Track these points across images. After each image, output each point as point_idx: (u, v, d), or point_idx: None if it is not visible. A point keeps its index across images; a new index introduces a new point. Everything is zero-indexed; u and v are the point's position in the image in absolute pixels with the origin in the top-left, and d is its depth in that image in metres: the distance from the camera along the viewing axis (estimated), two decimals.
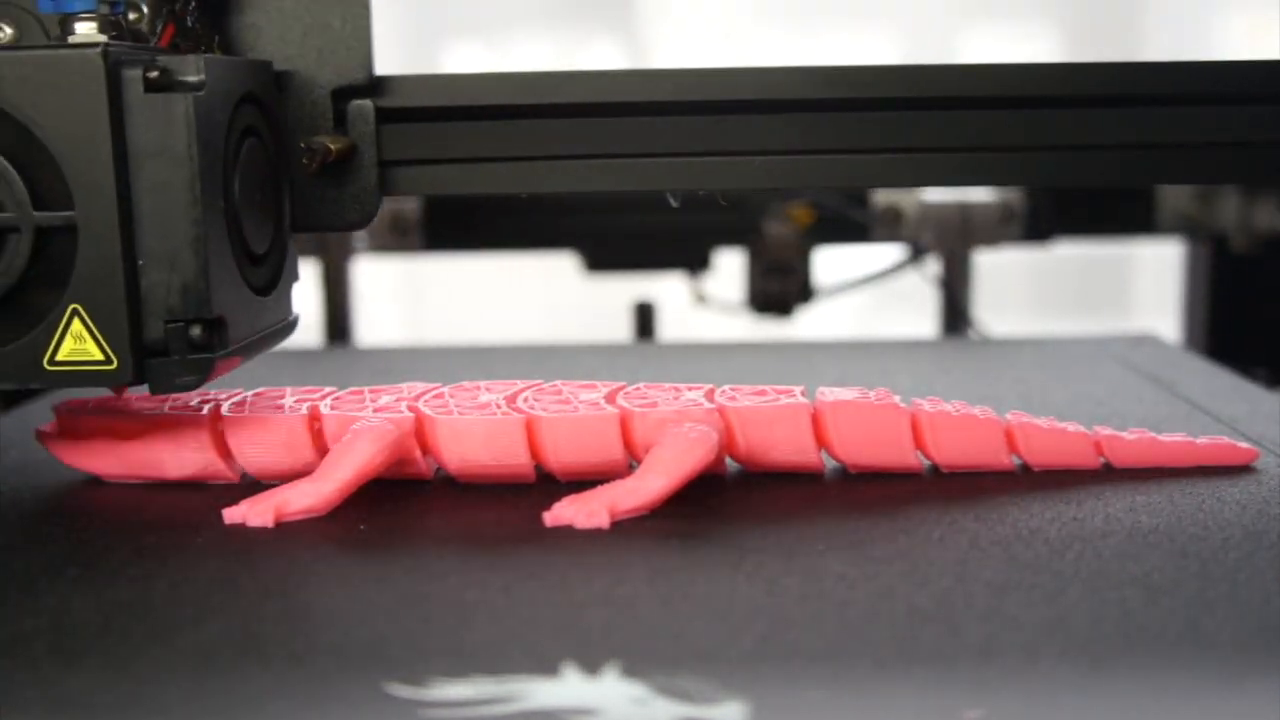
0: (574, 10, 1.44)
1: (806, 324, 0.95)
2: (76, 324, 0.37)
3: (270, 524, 0.39)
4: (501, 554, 0.36)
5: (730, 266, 0.93)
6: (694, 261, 0.93)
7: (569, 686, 0.28)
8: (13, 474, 0.45)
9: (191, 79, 0.37)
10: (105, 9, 0.39)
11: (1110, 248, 1.28)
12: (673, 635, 0.31)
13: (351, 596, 0.33)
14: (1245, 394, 0.55)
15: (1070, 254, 1.01)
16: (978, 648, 0.29)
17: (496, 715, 0.27)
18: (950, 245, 0.90)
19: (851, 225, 0.89)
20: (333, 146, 0.43)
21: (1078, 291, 1.42)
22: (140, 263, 0.37)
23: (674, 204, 0.46)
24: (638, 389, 0.44)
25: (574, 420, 0.41)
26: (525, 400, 0.43)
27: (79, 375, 0.37)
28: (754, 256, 0.90)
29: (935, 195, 0.88)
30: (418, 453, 0.42)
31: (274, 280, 0.43)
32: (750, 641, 0.30)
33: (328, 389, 0.44)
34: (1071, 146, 0.45)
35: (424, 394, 0.43)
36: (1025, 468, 0.43)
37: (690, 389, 0.43)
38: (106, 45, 0.36)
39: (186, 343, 0.38)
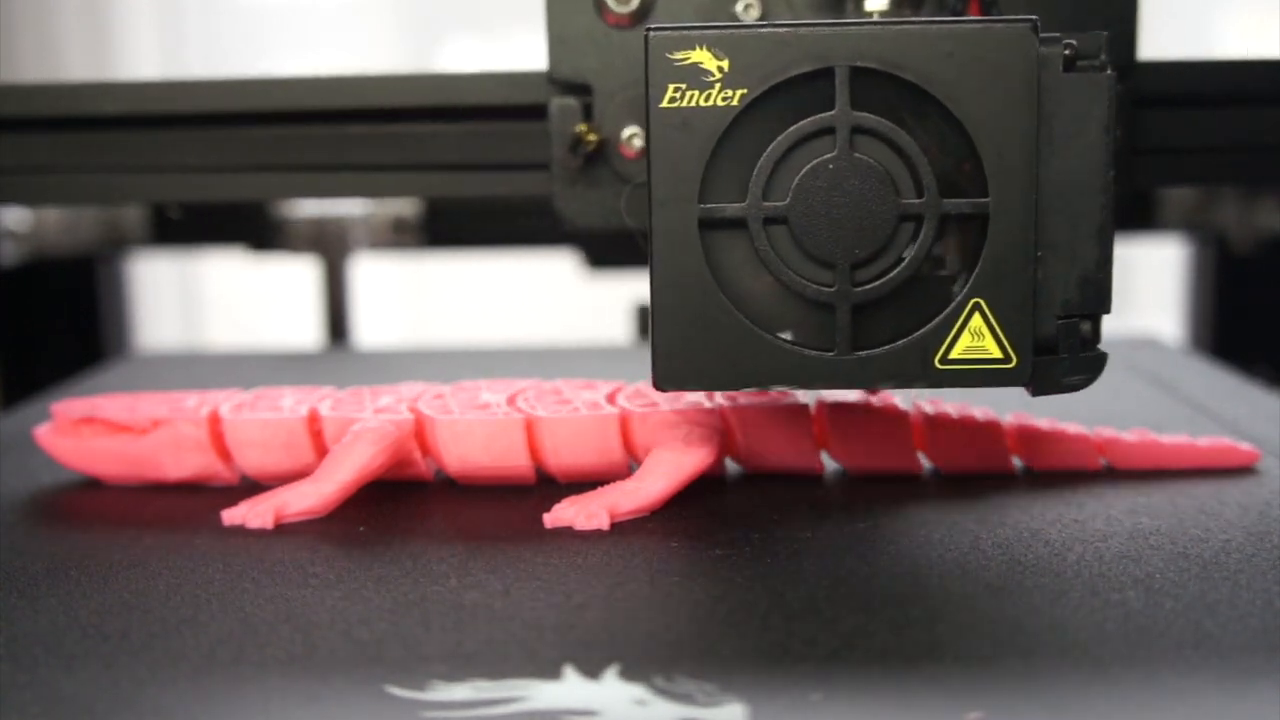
0: None
1: None
2: (977, 319, 0.35)
3: (270, 525, 0.39)
4: (501, 555, 0.36)
5: None
6: None
7: (569, 688, 0.28)
8: (11, 475, 0.45)
9: (1100, 59, 0.35)
10: None
11: None
12: (673, 637, 0.31)
13: (351, 598, 0.33)
14: (1247, 395, 0.55)
15: None
16: (978, 649, 0.29)
17: (496, 717, 0.27)
18: None
19: None
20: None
21: None
22: (1039, 253, 0.35)
23: None
24: (638, 389, 0.44)
25: (574, 421, 0.41)
26: (525, 401, 0.43)
27: (975, 375, 0.35)
28: None
29: None
30: (418, 454, 0.42)
31: None
32: (751, 643, 0.30)
33: (327, 390, 0.44)
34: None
35: (424, 394, 0.43)
36: (1026, 469, 0.43)
37: None
38: (1035, 21, 0.34)
39: (1078, 339, 0.36)
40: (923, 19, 0.36)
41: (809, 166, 0.34)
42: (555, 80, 0.43)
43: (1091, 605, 0.32)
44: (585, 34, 0.40)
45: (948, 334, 0.35)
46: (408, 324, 1.36)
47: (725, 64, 0.34)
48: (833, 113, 0.34)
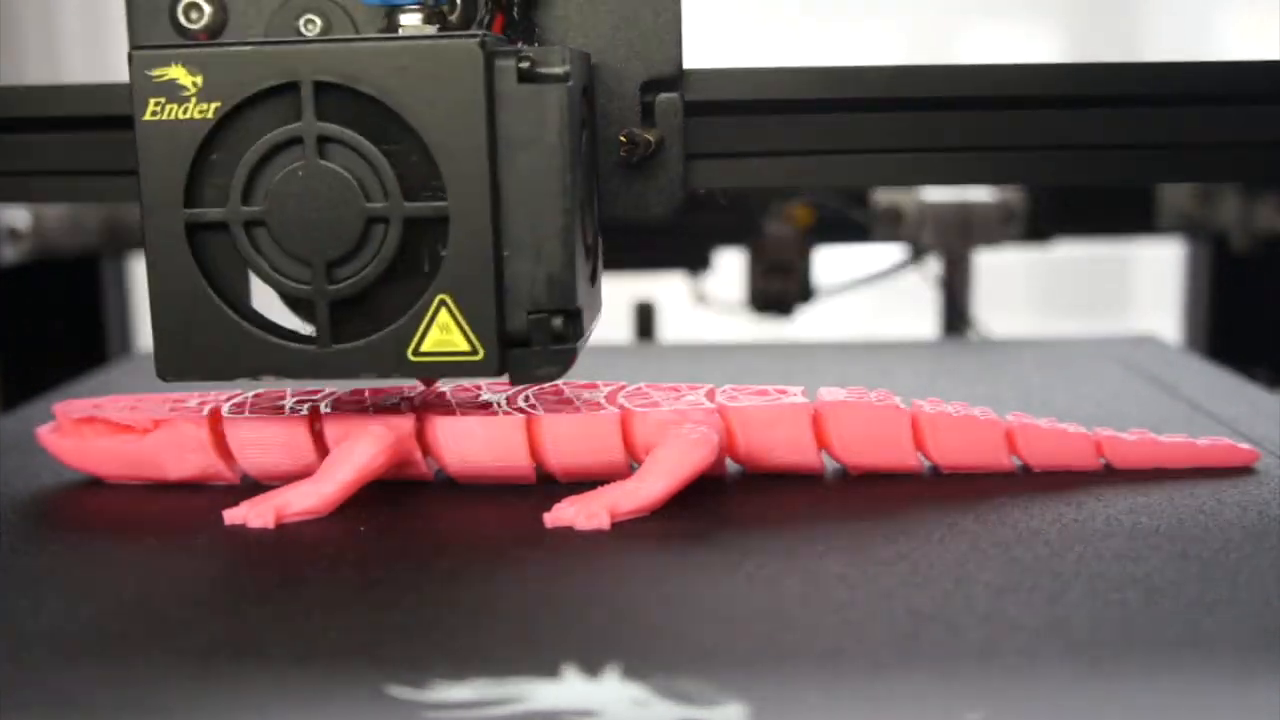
0: None
1: (806, 324, 0.95)
2: (444, 314, 0.37)
3: (271, 525, 0.39)
4: (502, 555, 0.36)
5: (730, 266, 0.93)
6: (694, 261, 0.93)
7: (570, 688, 0.28)
8: (13, 475, 0.45)
9: (558, 70, 0.37)
10: (431, 0, 0.39)
11: (1110, 248, 1.28)
12: (673, 637, 0.31)
13: (352, 598, 0.33)
14: (1246, 395, 0.55)
15: (1070, 254, 1.01)
16: (978, 649, 0.29)
17: (497, 717, 0.27)
18: (950, 245, 0.90)
19: (851, 225, 0.89)
20: (651, 139, 0.42)
21: (1078, 291, 1.42)
22: (506, 253, 0.37)
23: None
24: (638, 389, 0.44)
25: (574, 421, 0.41)
26: (525, 400, 0.43)
27: (444, 366, 0.37)
28: (754, 256, 0.90)
29: (935, 195, 0.88)
30: (418, 454, 0.42)
31: (596, 270, 0.43)
32: (751, 643, 0.30)
33: (328, 389, 0.44)
34: (1072, 146, 0.45)
35: (424, 394, 0.43)
36: (1026, 469, 0.43)
37: (691, 389, 0.43)
38: (484, 36, 0.36)
39: (549, 333, 0.37)
40: (382, 36, 0.39)
41: (282, 174, 0.37)
42: None
43: (1091, 604, 0.32)
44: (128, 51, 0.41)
45: (417, 328, 0.37)
46: None
47: (199, 80, 0.37)
48: (299, 124, 0.37)
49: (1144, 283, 1.37)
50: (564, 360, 0.38)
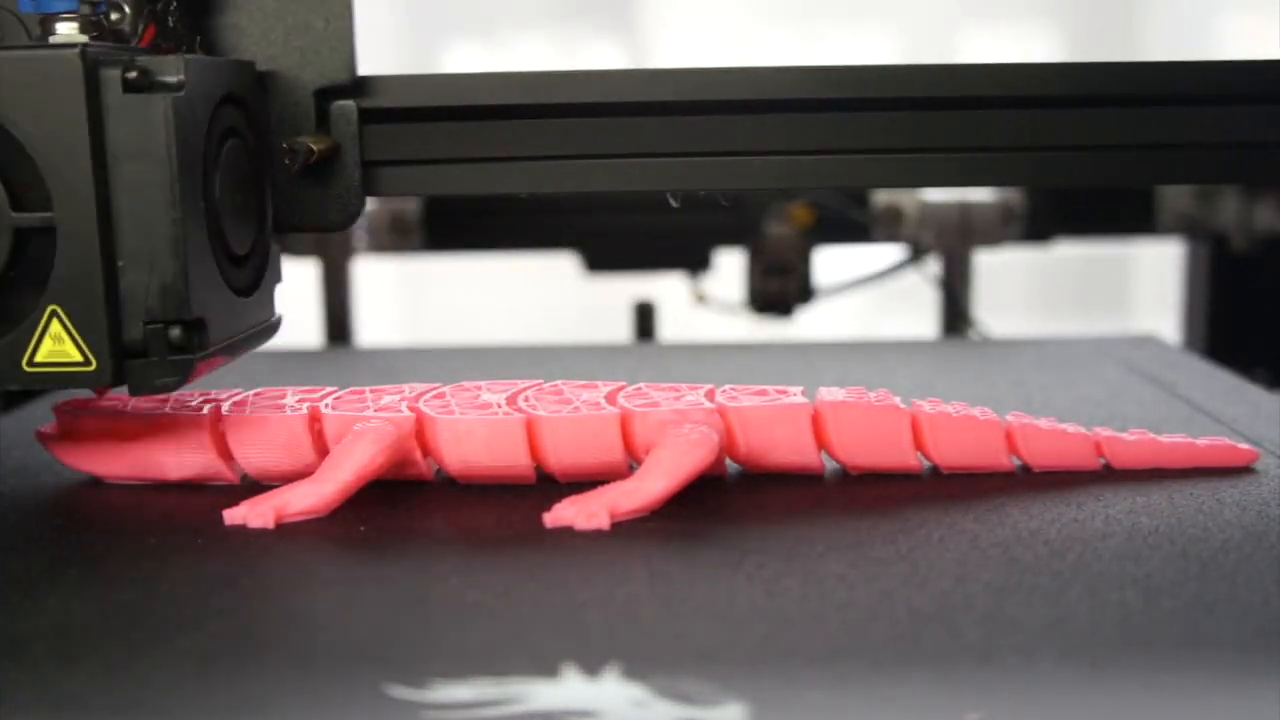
0: (574, 10, 1.44)
1: (806, 324, 0.95)
2: (55, 325, 0.37)
3: (271, 525, 0.39)
4: (502, 555, 0.36)
5: (730, 266, 0.93)
6: (694, 261, 0.93)
7: (569, 688, 0.28)
8: (13, 475, 0.45)
9: (171, 79, 0.37)
10: (87, 9, 0.38)
11: (1110, 248, 1.28)
12: (673, 637, 0.31)
13: (352, 598, 0.33)
14: (1245, 395, 0.55)
15: (1070, 254, 1.01)
16: (978, 649, 0.29)
17: (497, 717, 0.27)
18: (950, 245, 0.90)
19: (851, 225, 0.89)
20: (315, 147, 0.42)
21: (1078, 292, 1.42)
22: (120, 264, 0.37)
23: (674, 204, 0.46)
24: (638, 389, 0.44)
25: (574, 421, 0.41)
26: (525, 400, 0.43)
27: (58, 376, 0.37)
28: (754, 256, 0.90)
29: (935, 195, 0.88)
30: (418, 453, 0.42)
31: (256, 281, 0.43)
32: (750, 643, 0.30)
33: (328, 389, 0.44)
34: (1072, 147, 0.45)
35: (424, 394, 0.43)
36: (1025, 469, 0.43)
37: (690, 389, 0.43)
38: (85, 45, 0.36)
39: (166, 344, 0.37)
40: None
41: None
42: None
43: (1090, 604, 0.32)
44: None
45: (30, 339, 0.37)
46: (408, 324, 1.36)
47: None
48: None
49: (1144, 283, 1.37)
50: (183, 370, 0.38)
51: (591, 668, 0.29)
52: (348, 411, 0.42)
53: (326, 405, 0.43)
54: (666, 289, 0.98)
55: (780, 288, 0.90)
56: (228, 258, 0.41)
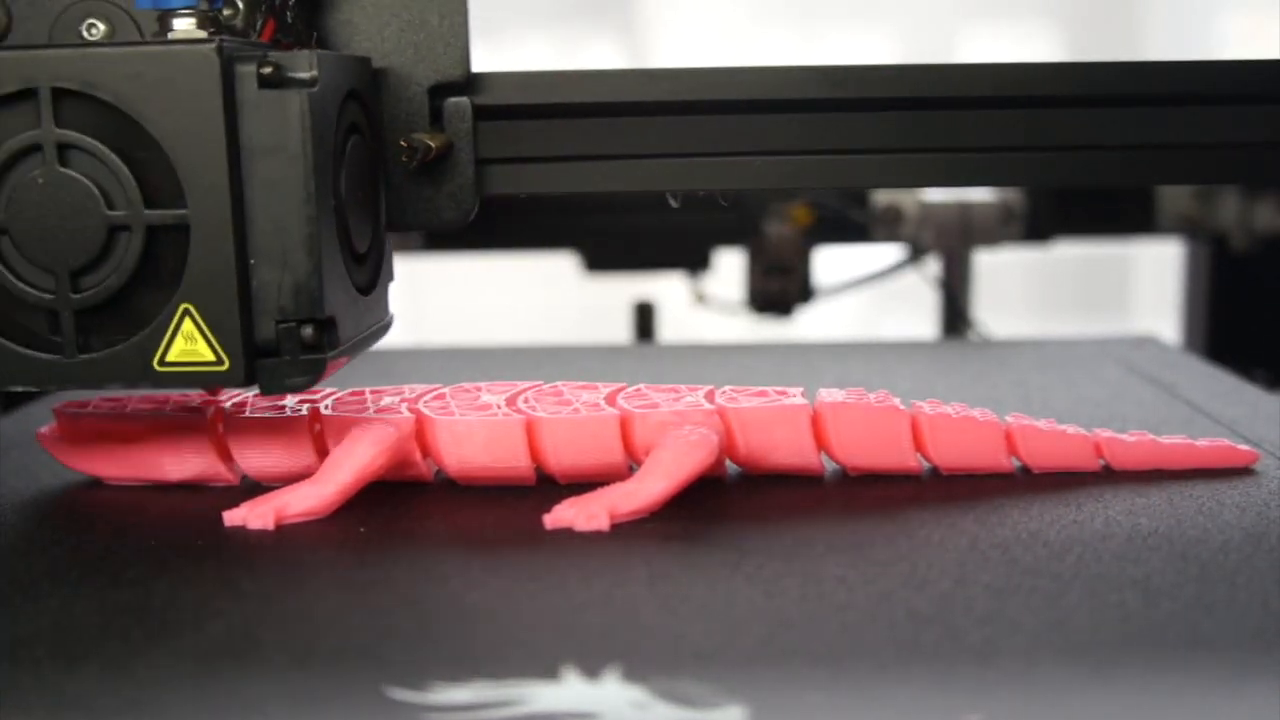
0: (573, 10, 1.44)
1: (806, 324, 0.95)
2: (188, 324, 0.37)
3: (270, 526, 0.39)
4: (501, 557, 0.36)
5: (730, 266, 0.93)
6: (694, 261, 0.94)
7: (569, 690, 0.28)
8: (13, 476, 0.45)
9: (304, 75, 0.36)
10: (204, 5, 0.38)
11: (1110, 248, 1.28)
12: (673, 638, 0.31)
13: (351, 599, 0.33)
14: (1245, 396, 0.55)
15: (1070, 254, 1.01)
16: (977, 651, 0.29)
17: (497, 719, 0.27)
18: (950, 245, 0.90)
19: (851, 225, 0.89)
20: (432, 144, 0.42)
21: (1078, 292, 1.42)
22: (251, 262, 0.36)
23: (674, 204, 0.46)
24: (638, 390, 0.44)
25: (574, 422, 0.41)
26: (525, 401, 0.43)
27: (190, 377, 0.37)
28: (754, 256, 0.90)
29: (935, 195, 0.88)
30: (418, 455, 0.42)
31: (374, 279, 0.43)
32: (750, 644, 0.30)
33: (328, 390, 0.44)
34: (1072, 147, 0.45)
35: (424, 395, 0.43)
36: (1025, 470, 0.43)
37: (690, 390, 0.43)
38: (221, 41, 0.36)
39: (299, 343, 0.37)
40: (125, 41, 0.39)
41: (23, 181, 0.36)
42: None
43: (1091, 606, 0.32)
44: None
45: (162, 338, 0.37)
46: (407, 324, 1.36)
47: None
48: (39, 131, 0.36)
49: (1144, 283, 1.37)
50: (315, 370, 0.37)
51: (591, 669, 0.29)
52: (347, 413, 0.42)
53: (326, 406, 0.43)
54: (666, 289, 0.99)
55: (780, 288, 0.90)
56: (351, 256, 0.40)
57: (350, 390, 0.44)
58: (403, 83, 0.43)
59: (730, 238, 0.91)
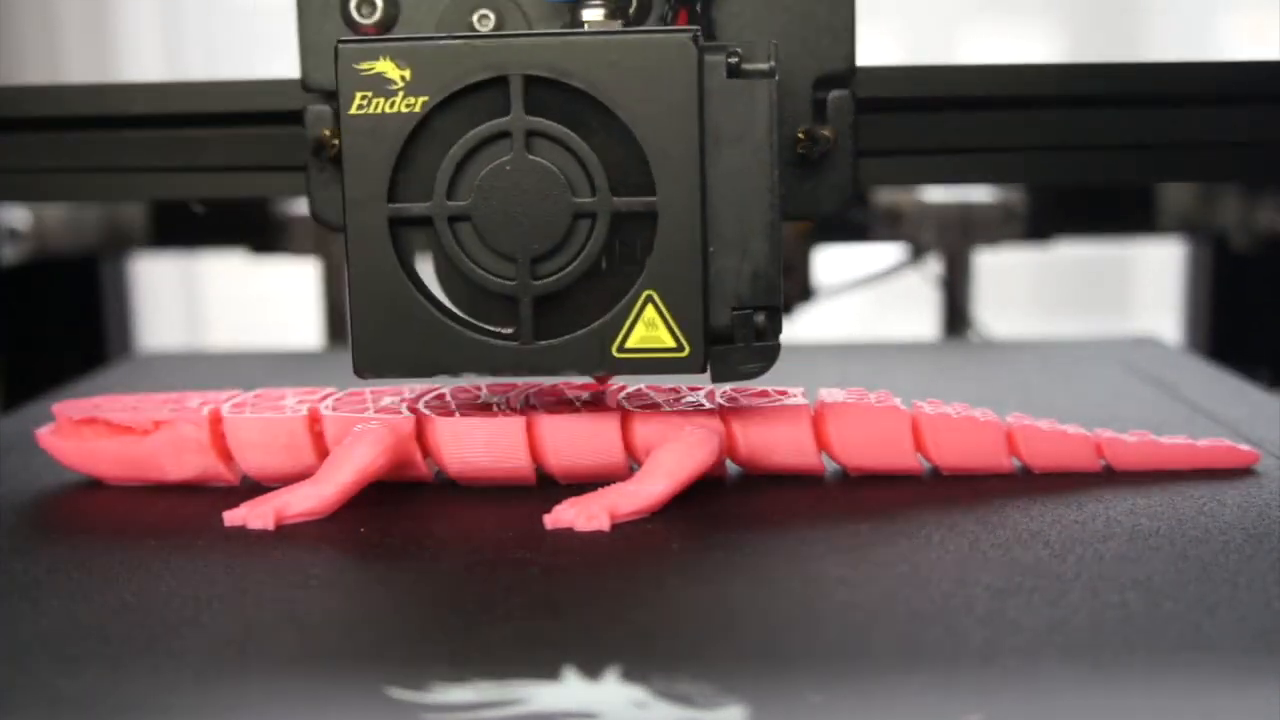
0: None
1: (806, 324, 0.95)
2: (650, 310, 0.37)
3: (270, 527, 0.39)
4: (502, 556, 0.36)
5: None
6: None
7: (570, 690, 0.28)
8: (13, 476, 0.45)
9: (764, 66, 0.37)
10: None
11: (1110, 248, 1.28)
12: (673, 638, 0.31)
13: (351, 599, 0.33)
14: (1246, 396, 0.55)
15: (1070, 254, 1.01)
16: (978, 651, 0.29)
17: (497, 718, 0.27)
18: (950, 245, 0.90)
19: (851, 225, 0.89)
20: (830, 136, 0.42)
21: (1078, 291, 1.42)
22: (710, 249, 0.37)
23: None
24: (639, 390, 0.44)
25: (575, 422, 0.41)
26: (526, 401, 0.43)
27: (649, 363, 0.38)
28: None
29: (935, 195, 0.88)
30: (418, 455, 0.42)
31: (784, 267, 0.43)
32: (751, 644, 0.30)
33: (328, 390, 0.44)
34: (1072, 147, 0.45)
35: (424, 395, 0.43)
36: (1026, 470, 0.43)
37: (691, 390, 0.43)
38: (696, 31, 0.36)
39: (752, 330, 0.38)
40: (591, 31, 0.39)
41: (489, 168, 0.37)
42: (309, 88, 0.43)
43: (1091, 606, 0.32)
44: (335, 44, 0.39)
45: (623, 324, 0.37)
46: None
47: (407, 73, 0.37)
48: (508, 118, 0.37)
49: (1144, 283, 1.37)
50: (769, 357, 0.38)
51: (592, 669, 0.29)
52: (347, 413, 0.42)
53: (326, 406, 0.43)
54: None
55: None
56: None
57: (350, 390, 0.44)
58: (789, 75, 0.42)
59: None
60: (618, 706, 0.27)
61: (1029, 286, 1.40)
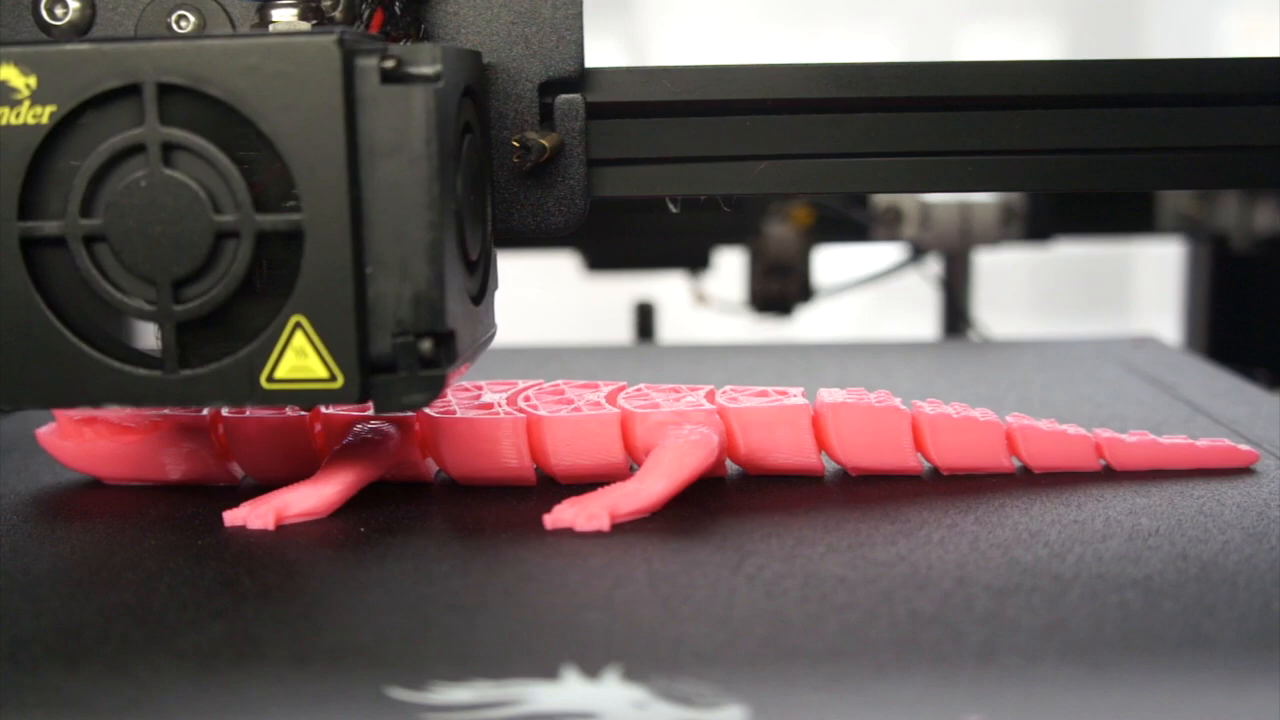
0: None
1: (806, 324, 0.96)
2: (299, 338, 0.34)
3: (271, 526, 0.39)
4: (502, 556, 0.36)
5: (730, 266, 0.93)
6: (694, 261, 0.94)
7: (569, 690, 0.28)
8: (13, 476, 0.45)
9: (428, 70, 0.33)
10: None
11: (1110, 248, 1.28)
12: (673, 638, 0.31)
13: (352, 599, 0.33)
14: (1246, 396, 0.55)
15: (1070, 254, 1.01)
16: (978, 651, 0.29)
17: (497, 718, 0.27)
18: (950, 245, 0.90)
19: (851, 225, 0.89)
20: (546, 144, 0.39)
21: (1078, 291, 1.43)
22: (368, 270, 0.34)
23: (674, 209, 0.46)
24: (638, 390, 0.44)
25: (574, 421, 0.41)
26: (526, 401, 0.43)
27: (300, 394, 0.34)
28: (754, 256, 0.90)
29: (936, 196, 0.88)
30: (419, 454, 0.42)
31: (484, 288, 0.40)
32: (750, 645, 0.30)
33: None
34: (1071, 149, 0.45)
35: None
36: (1026, 470, 0.43)
37: (691, 390, 0.43)
38: (342, 33, 0.33)
39: (416, 358, 0.34)
40: (233, 34, 0.36)
41: (124, 184, 0.34)
42: None
43: (1091, 606, 0.32)
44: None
45: (271, 353, 0.34)
46: None
47: (33, 81, 0.33)
48: (141, 129, 0.33)
49: (1144, 283, 1.37)
50: (434, 387, 0.34)
51: (592, 669, 0.29)
52: (348, 412, 0.42)
53: (326, 406, 0.43)
54: (666, 289, 0.99)
55: (780, 288, 0.90)
56: (465, 263, 0.37)
57: None
58: (511, 78, 0.40)
59: (731, 238, 0.91)
60: (618, 706, 0.27)
61: (1029, 287, 1.40)
